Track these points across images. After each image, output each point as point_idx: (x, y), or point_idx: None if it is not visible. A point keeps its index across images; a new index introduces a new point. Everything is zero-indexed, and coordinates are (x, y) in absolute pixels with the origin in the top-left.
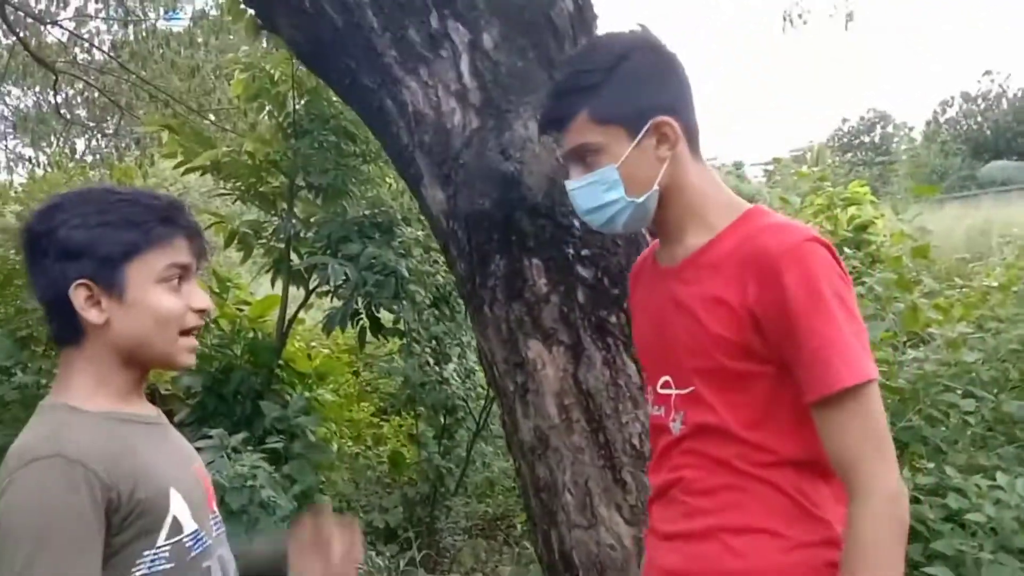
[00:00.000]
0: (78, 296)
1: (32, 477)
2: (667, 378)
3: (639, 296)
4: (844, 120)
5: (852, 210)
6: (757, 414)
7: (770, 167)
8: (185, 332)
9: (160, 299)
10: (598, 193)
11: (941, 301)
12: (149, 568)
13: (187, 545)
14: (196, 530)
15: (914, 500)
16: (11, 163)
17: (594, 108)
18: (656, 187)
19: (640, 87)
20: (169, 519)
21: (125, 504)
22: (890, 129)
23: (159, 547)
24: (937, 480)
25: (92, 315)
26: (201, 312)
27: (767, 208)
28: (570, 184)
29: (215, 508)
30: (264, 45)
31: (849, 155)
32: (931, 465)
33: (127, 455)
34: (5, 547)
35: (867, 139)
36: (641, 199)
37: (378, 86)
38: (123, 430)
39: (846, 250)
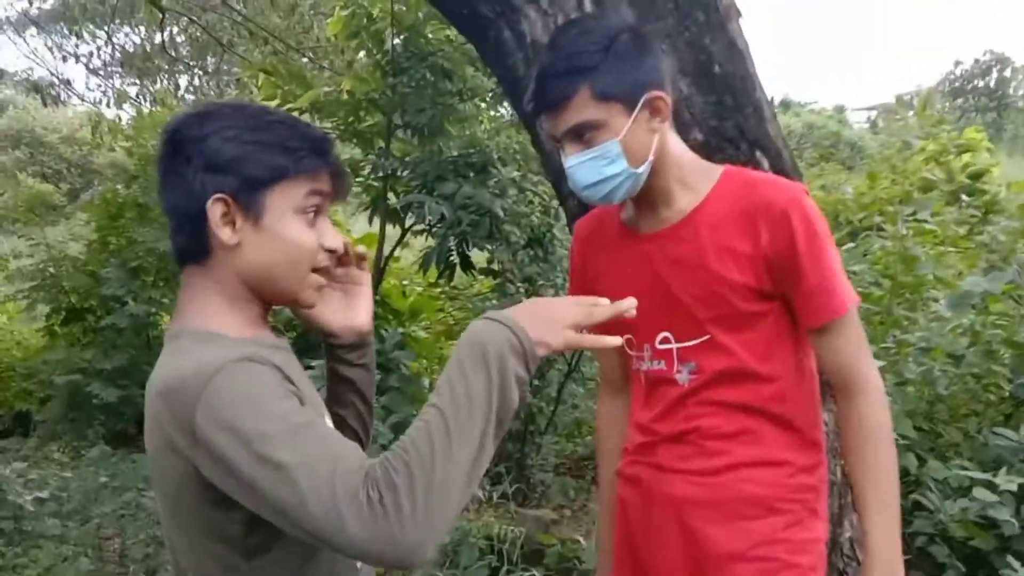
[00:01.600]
0: (215, 211)
1: (232, 374)
2: (666, 334)
3: (606, 260)
4: (957, 63)
5: (966, 158)
6: (767, 348)
7: (874, 112)
8: (315, 270)
9: (295, 230)
10: (600, 167)
11: None
12: None
13: None
14: None
15: None
16: (119, 100)
17: (594, 86)
18: (652, 157)
19: (632, 64)
20: None
21: None
22: (1008, 73)
23: None
24: None
25: (225, 234)
26: (331, 252)
27: (737, 168)
28: (570, 160)
29: None
30: None
31: (960, 101)
32: None
33: (295, 380)
34: (233, 443)
35: (981, 83)
36: (640, 169)
37: (496, 15)
38: (274, 356)
39: (963, 197)
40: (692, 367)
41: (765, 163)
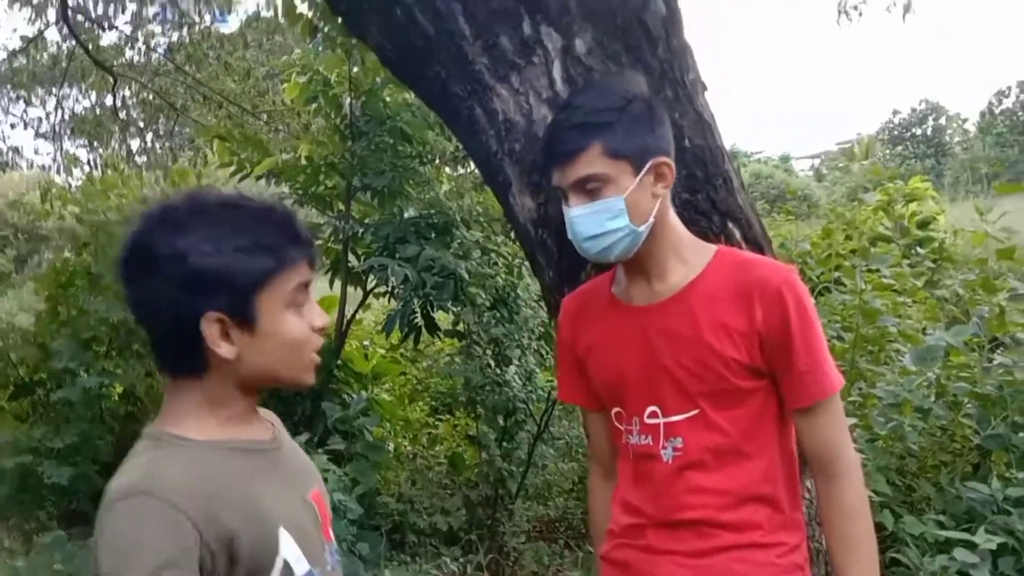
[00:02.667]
0: (212, 331)
1: (123, 514)
2: (654, 408)
3: (596, 334)
4: (895, 112)
5: (912, 206)
6: (753, 425)
7: (817, 160)
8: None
9: (291, 325)
10: (602, 220)
11: None
12: None
13: None
14: (309, 571)
15: (1003, 512)
16: (68, 165)
17: (608, 142)
18: (652, 220)
19: (645, 128)
20: (279, 564)
21: (220, 554)
22: (943, 121)
23: None
24: None
25: (223, 350)
26: (321, 330)
27: (730, 248)
28: (574, 211)
29: (331, 535)
30: (312, 46)
31: (899, 148)
32: (1021, 475)
33: (232, 494)
34: None
35: (919, 131)
36: (641, 228)
37: (468, 94)
38: (231, 464)
39: (918, 250)
40: (677, 443)
41: (737, 233)
